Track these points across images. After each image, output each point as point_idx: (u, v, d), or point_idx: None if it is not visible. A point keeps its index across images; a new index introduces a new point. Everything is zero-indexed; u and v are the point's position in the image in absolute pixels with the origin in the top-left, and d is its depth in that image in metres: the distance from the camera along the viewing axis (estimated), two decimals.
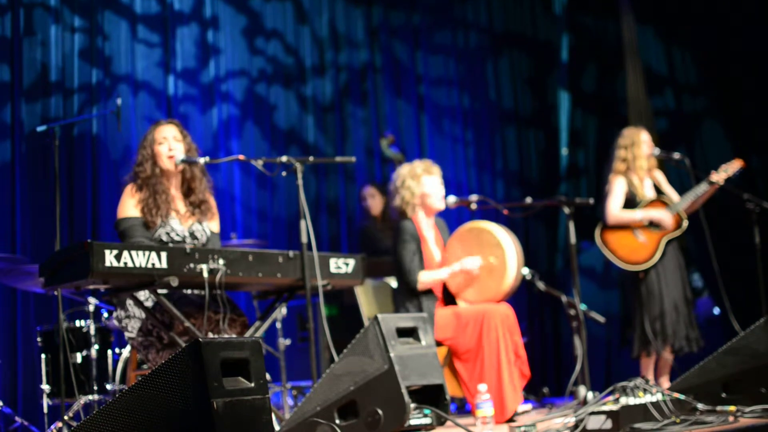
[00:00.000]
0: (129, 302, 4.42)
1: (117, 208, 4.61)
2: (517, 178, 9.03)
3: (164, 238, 4.51)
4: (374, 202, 7.35)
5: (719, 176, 6.21)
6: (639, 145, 6.30)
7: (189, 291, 4.51)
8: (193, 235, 4.61)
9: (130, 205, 4.54)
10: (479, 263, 5.36)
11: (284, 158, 4.74)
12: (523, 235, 8.11)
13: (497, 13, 9.19)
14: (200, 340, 2.87)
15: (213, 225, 4.75)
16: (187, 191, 4.71)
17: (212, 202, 4.79)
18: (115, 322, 4.54)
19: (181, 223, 4.58)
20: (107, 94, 6.60)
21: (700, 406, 4.11)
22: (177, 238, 4.55)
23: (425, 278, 5.42)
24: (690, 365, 4.56)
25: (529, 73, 9.29)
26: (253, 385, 3.03)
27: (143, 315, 4.38)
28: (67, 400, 5.14)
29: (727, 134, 8.39)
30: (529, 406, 5.61)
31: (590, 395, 5.44)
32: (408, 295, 5.45)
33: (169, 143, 4.63)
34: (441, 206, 5.62)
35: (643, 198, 6.24)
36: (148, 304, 4.41)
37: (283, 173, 4.80)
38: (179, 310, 4.28)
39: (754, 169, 8.06)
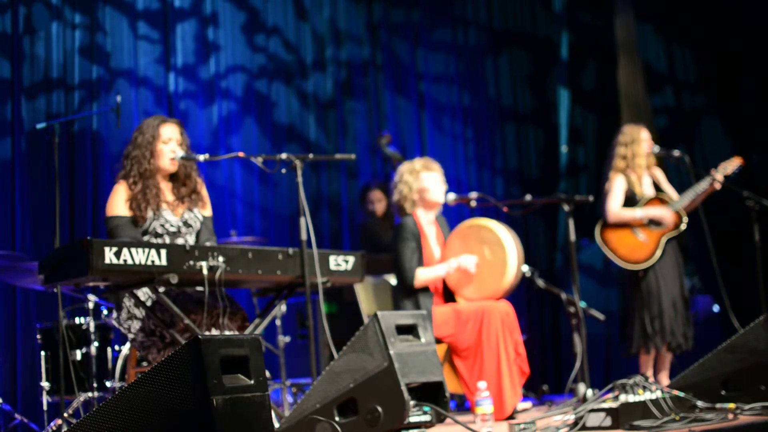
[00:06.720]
0: (129, 302, 4.42)
1: (106, 204, 4.59)
2: (517, 175, 9.03)
3: (159, 230, 4.51)
4: (380, 206, 7.32)
5: (718, 174, 6.21)
6: (639, 143, 6.29)
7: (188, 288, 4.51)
8: (186, 224, 4.61)
9: (120, 203, 4.52)
10: (476, 261, 5.35)
11: (284, 155, 4.74)
12: (522, 233, 8.09)
13: (497, 10, 9.19)
14: (200, 337, 2.87)
15: (205, 212, 4.75)
16: (181, 186, 4.70)
17: (204, 193, 4.79)
18: (114, 323, 4.54)
19: (173, 214, 4.58)
20: (108, 90, 6.60)
21: (699, 403, 4.11)
22: (172, 229, 4.55)
23: (422, 275, 5.41)
24: (689, 362, 4.56)
25: (529, 70, 9.28)
26: (252, 382, 3.03)
27: (143, 314, 4.38)
28: (67, 398, 5.14)
29: (726, 132, 8.39)
30: (529, 404, 5.61)
31: (590, 393, 5.44)
32: (406, 293, 5.45)
33: (174, 146, 4.63)
34: (440, 200, 5.60)
35: (643, 196, 6.23)
36: (148, 303, 4.41)
37: (283, 170, 4.80)
38: (179, 308, 4.28)
39: (754, 167, 8.06)
